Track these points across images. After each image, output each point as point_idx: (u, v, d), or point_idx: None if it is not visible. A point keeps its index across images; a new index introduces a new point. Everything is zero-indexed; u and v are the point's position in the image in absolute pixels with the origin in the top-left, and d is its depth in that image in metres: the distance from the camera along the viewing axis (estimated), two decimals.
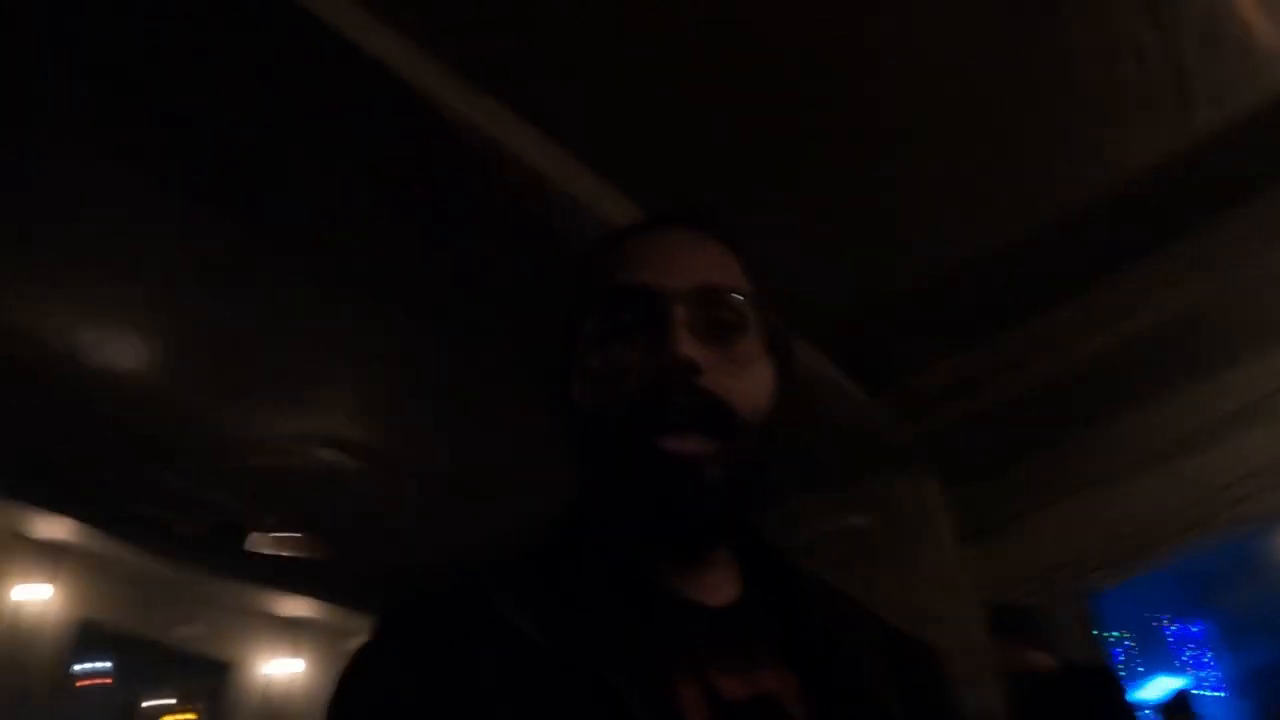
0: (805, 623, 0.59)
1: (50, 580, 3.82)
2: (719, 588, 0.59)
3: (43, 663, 3.80)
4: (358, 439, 3.14)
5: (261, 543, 3.72)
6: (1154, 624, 9.35)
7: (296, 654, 4.89)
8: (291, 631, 4.91)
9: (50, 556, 3.85)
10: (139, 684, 4.81)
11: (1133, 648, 9.10)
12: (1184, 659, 9.21)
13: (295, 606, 4.80)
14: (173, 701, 4.95)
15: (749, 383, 0.58)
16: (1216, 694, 8.68)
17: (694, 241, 0.62)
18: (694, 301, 0.57)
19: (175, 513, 3.67)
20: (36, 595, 3.77)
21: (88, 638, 4.10)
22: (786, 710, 0.54)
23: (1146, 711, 5.38)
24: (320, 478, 3.35)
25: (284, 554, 3.80)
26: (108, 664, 4.67)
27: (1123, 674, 7.46)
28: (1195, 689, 8.07)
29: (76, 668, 4.40)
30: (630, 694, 0.49)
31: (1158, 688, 7.71)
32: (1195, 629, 9.27)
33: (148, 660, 4.65)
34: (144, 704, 4.85)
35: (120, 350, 2.70)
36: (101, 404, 2.92)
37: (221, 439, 3.18)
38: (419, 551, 3.24)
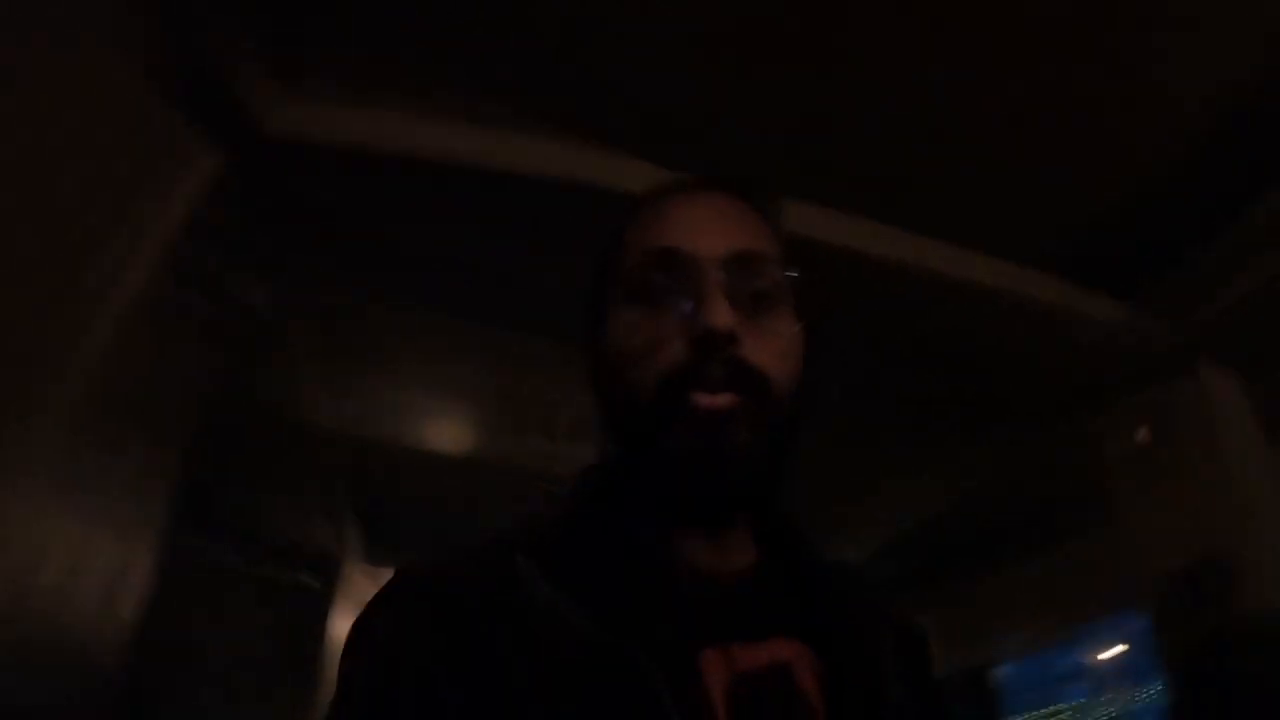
0: (817, 594, 0.60)
1: None
2: (734, 556, 0.60)
3: None
4: None
5: None
6: None
7: None
8: None
9: None
10: None
11: None
12: None
13: None
14: None
15: (782, 352, 0.58)
16: None
17: (730, 208, 0.62)
18: (732, 268, 0.58)
19: None
20: None
21: None
22: (798, 680, 0.55)
23: None
24: None
25: None
26: None
27: None
28: None
29: None
30: (650, 665, 0.49)
31: None
32: None
33: None
34: None
35: None
36: None
37: None
38: None
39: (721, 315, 0.55)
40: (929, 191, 2.21)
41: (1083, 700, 4.04)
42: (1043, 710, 4.19)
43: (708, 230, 0.60)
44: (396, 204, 2.17)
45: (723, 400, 0.55)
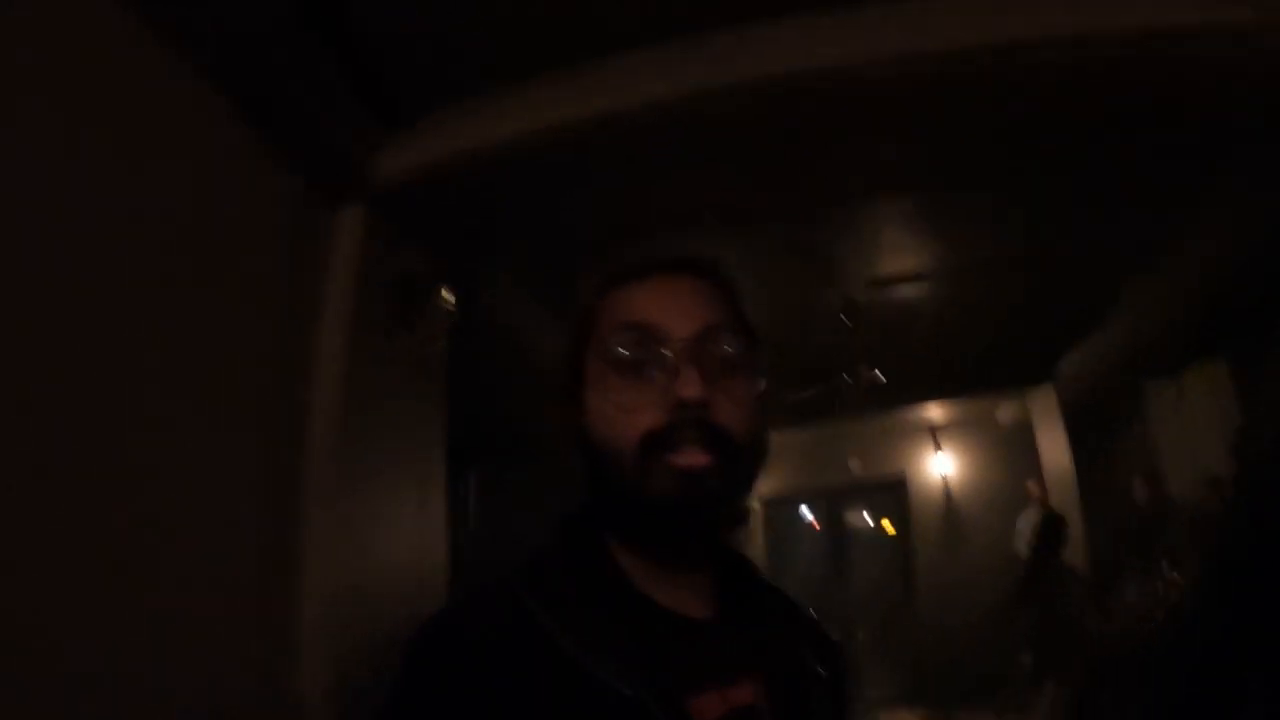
0: (766, 628, 0.70)
1: None
2: (702, 601, 0.69)
3: None
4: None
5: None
6: None
7: (945, 453, 6.18)
8: (940, 435, 6.20)
9: None
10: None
11: None
12: None
13: (935, 412, 5.94)
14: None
15: (745, 413, 0.67)
16: None
17: (695, 286, 0.71)
18: (700, 342, 0.66)
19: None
20: None
21: None
22: (762, 714, 0.65)
23: None
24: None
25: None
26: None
27: None
28: None
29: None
30: (653, 709, 0.58)
31: None
32: None
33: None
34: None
35: None
36: None
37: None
38: None
39: (693, 386, 0.64)
40: None
41: None
42: None
43: (678, 308, 0.68)
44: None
45: (696, 459, 0.63)
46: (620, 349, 0.68)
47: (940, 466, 6.15)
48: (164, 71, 1.44)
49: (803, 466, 6.04)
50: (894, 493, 6.35)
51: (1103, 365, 4.41)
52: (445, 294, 2.26)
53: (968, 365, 4.60)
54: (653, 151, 2.10)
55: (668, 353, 0.66)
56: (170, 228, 1.43)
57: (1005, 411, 5.54)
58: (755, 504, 4.88)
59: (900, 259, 3.25)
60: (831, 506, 6.71)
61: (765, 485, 5.06)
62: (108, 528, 1.23)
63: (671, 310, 0.69)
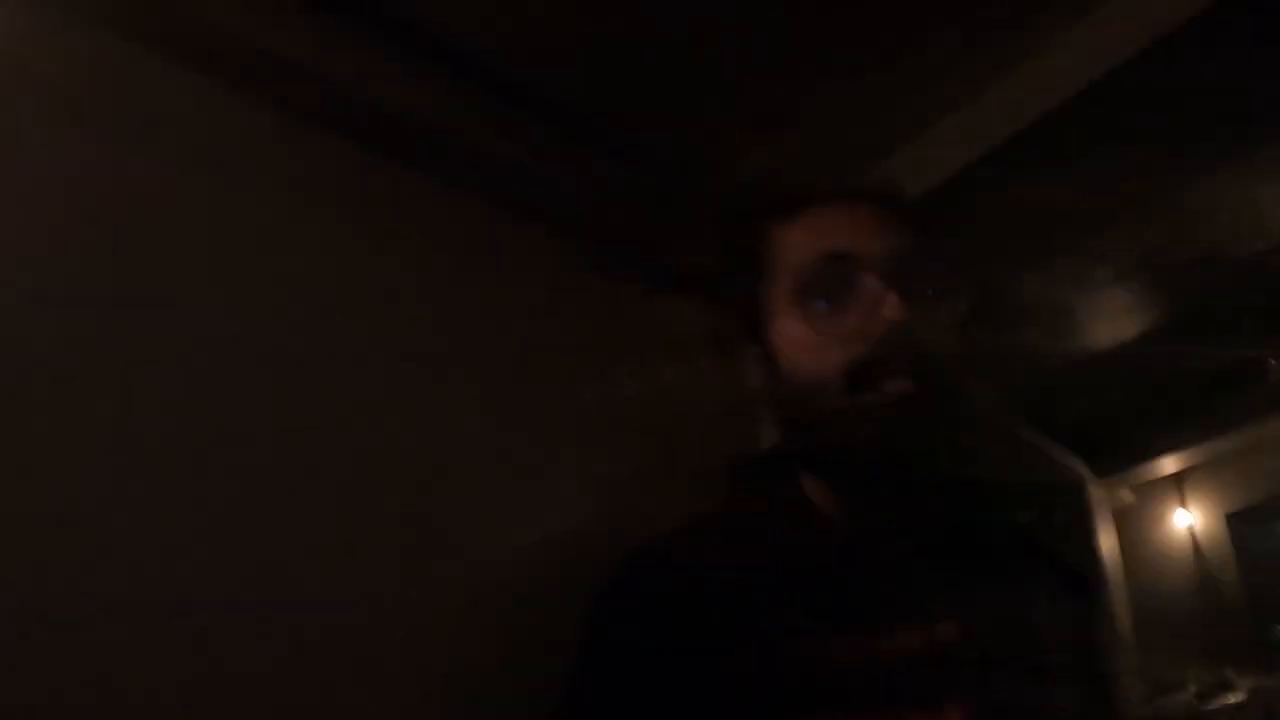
0: (987, 568, 0.65)
1: None
2: (908, 532, 0.65)
3: None
4: None
5: None
6: None
7: None
8: None
9: None
10: None
11: None
12: None
13: None
14: None
15: (947, 335, 0.64)
16: None
17: (881, 213, 0.69)
18: (898, 265, 0.63)
19: None
20: None
21: None
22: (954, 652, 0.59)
23: None
24: None
25: None
26: None
27: None
28: None
29: None
30: (835, 653, 0.56)
31: None
32: None
33: None
34: None
35: None
36: None
37: None
38: None
39: (897, 308, 0.61)
40: None
41: None
42: None
43: (870, 233, 0.66)
44: None
45: (905, 385, 0.60)
46: (816, 277, 0.65)
47: None
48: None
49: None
50: None
51: None
52: None
53: None
54: None
55: (867, 277, 0.64)
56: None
57: None
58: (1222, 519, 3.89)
59: None
60: None
61: (1228, 496, 3.93)
62: None
63: (864, 235, 0.66)
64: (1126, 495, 4.05)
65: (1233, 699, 3.18)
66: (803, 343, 0.64)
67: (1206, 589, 3.71)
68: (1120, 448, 3.75)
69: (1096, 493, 3.95)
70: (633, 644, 0.59)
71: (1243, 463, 3.67)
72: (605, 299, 1.79)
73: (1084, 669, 0.66)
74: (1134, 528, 4.04)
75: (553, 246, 1.71)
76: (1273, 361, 3.01)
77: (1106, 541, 3.88)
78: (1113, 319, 3.02)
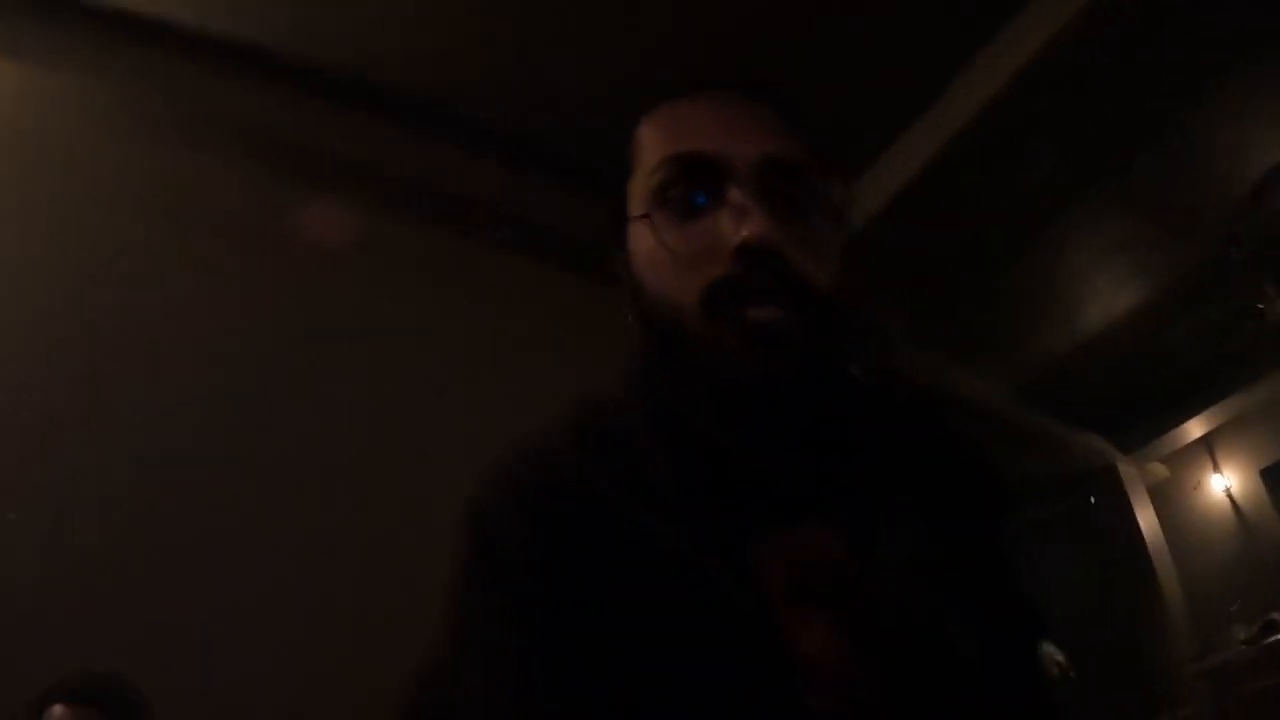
0: (888, 472, 0.57)
1: None
2: (792, 437, 0.56)
3: None
4: None
5: None
6: None
7: None
8: None
9: None
10: None
11: None
12: None
13: None
14: None
15: (818, 259, 0.55)
16: None
17: (756, 111, 0.58)
18: (768, 174, 0.54)
19: None
20: None
21: None
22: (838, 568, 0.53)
23: None
24: None
25: None
26: None
27: None
28: None
29: None
30: (705, 557, 0.50)
31: None
32: None
33: None
34: None
35: None
36: None
37: None
38: None
39: (761, 224, 0.52)
40: None
41: None
42: None
43: (739, 133, 0.56)
44: None
45: (772, 312, 0.52)
46: (670, 184, 0.55)
47: None
48: None
49: None
50: None
51: None
52: None
53: None
54: None
55: (730, 187, 0.54)
56: None
57: None
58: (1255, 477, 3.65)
59: None
60: None
61: (1260, 452, 3.66)
62: None
63: (731, 136, 0.56)
64: (1159, 470, 3.97)
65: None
66: (651, 257, 0.56)
67: (1249, 545, 3.61)
68: (1142, 421, 3.68)
69: (1127, 471, 3.87)
70: (528, 554, 0.52)
71: (1269, 416, 3.59)
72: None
73: (994, 613, 0.57)
74: (1172, 500, 3.95)
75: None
76: (1260, 305, 2.95)
77: (1145, 519, 3.79)
78: (1105, 297, 3.00)
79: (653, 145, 0.58)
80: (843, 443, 0.56)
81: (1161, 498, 3.89)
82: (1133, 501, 3.77)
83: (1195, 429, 3.69)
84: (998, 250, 2.63)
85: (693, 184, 0.55)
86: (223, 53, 1.97)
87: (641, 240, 0.57)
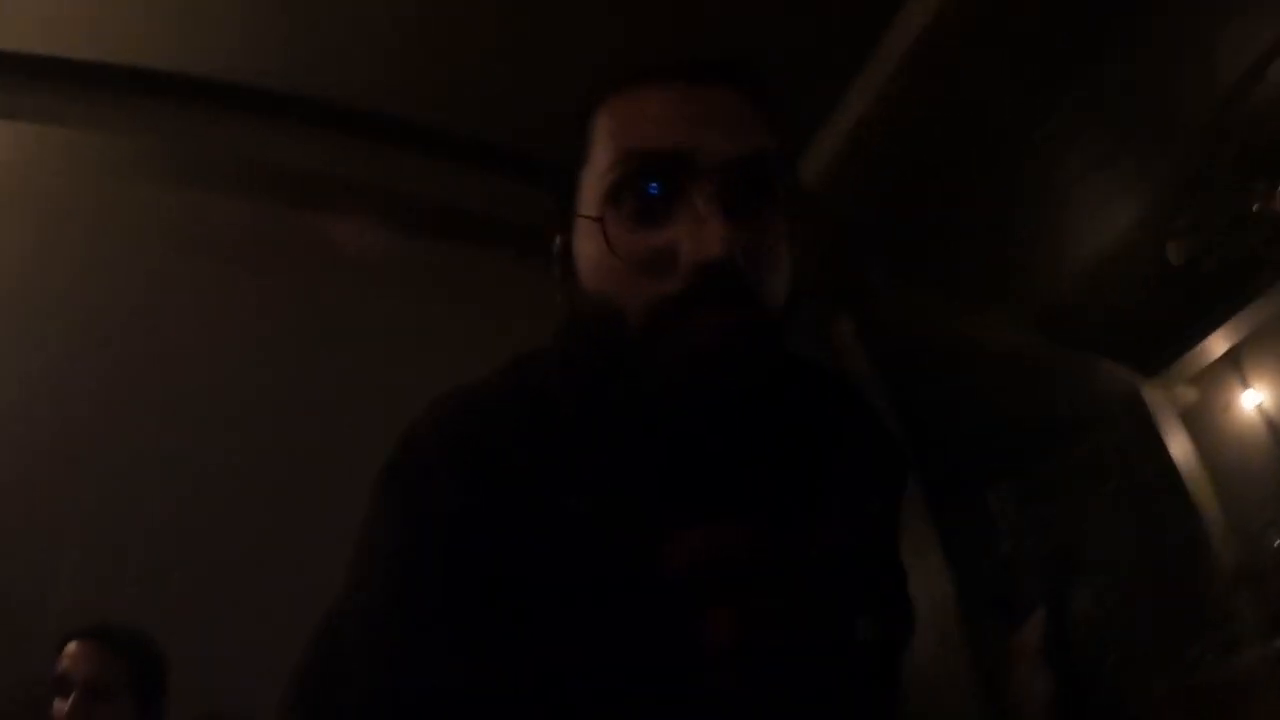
0: (802, 462, 0.56)
1: None
2: (715, 422, 0.54)
3: None
4: None
5: None
6: None
7: None
8: None
9: None
10: None
11: None
12: None
13: None
14: None
15: (775, 262, 0.53)
16: None
17: (726, 100, 0.54)
18: (730, 175, 0.51)
19: None
20: None
21: None
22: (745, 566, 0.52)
23: None
24: None
25: None
26: None
27: None
28: None
29: None
30: (614, 538, 0.50)
31: None
32: None
33: None
34: None
35: None
36: None
37: None
38: None
39: (721, 242, 0.49)
40: None
41: None
42: None
43: (702, 129, 0.52)
44: None
45: (718, 339, 0.50)
46: (625, 184, 0.52)
47: None
48: None
49: None
50: None
51: None
52: None
53: None
54: None
55: (690, 190, 0.50)
56: None
57: None
58: None
59: None
60: None
61: None
62: None
63: (693, 132, 0.52)
64: (1188, 393, 3.87)
65: None
66: (599, 260, 0.53)
67: None
68: (1162, 342, 3.60)
69: (1153, 396, 3.79)
70: (445, 495, 0.51)
71: None
72: None
73: (896, 609, 0.59)
74: (1204, 423, 3.86)
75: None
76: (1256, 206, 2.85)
77: (1176, 445, 3.71)
78: (1098, 219, 2.94)
79: (607, 137, 0.55)
80: (760, 442, 0.55)
81: (1192, 421, 3.81)
82: (1162, 428, 3.70)
83: (1219, 344, 3.59)
84: (977, 184, 2.61)
85: (650, 184, 0.52)
86: (207, 92, 2.10)
87: (589, 240, 0.54)
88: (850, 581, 0.55)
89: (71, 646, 1.31)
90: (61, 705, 1.28)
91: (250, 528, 1.74)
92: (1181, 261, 2.95)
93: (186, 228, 2.08)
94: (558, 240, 0.59)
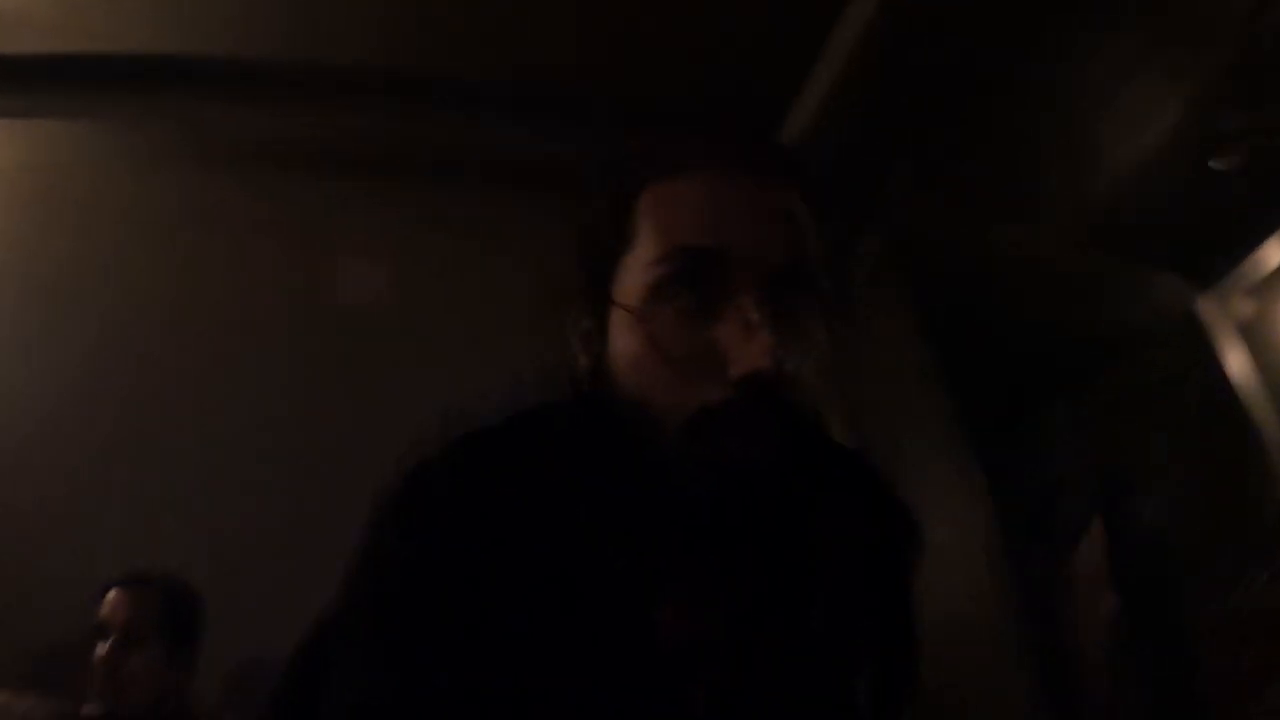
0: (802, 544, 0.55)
1: None
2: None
3: None
4: None
5: None
6: None
7: None
8: None
9: None
10: None
11: None
12: None
13: None
14: None
15: (812, 370, 0.53)
16: None
17: (782, 199, 0.54)
18: (782, 285, 0.52)
19: None
20: None
21: None
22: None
23: None
24: None
25: None
26: None
27: None
28: None
29: None
30: (606, 613, 0.49)
31: None
32: None
33: None
34: None
35: None
36: None
37: None
38: None
39: (770, 349, 0.49)
40: None
41: None
42: None
43: (756, 228, 0.53)
44: None
45: (752, 451, 0.50)
46: (671, 281, 0.52)
47: None
48: None
49: None
50: None
51: None
52: None
53: None
54: None
55: (739, 294, 0.50)
56: None
57: None
58: None
59: None
60: None
61: None
62: None
63: (749, 231, 0.52)
64: (1244, 305, 3.71)
65: None
66: (639, 356, 0.53)
67: None
68: (1214, 252, 3.44)
69: (1209, 308, 3.64)
70: (441, 528, 0.52)
71: None
72: None
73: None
74: (1262, 336, 3.69)
75: None
76: None
77: (1233, 361, 3.56)
78: (1141, 122, 2.78)
79: (653, 228, 0.54)
80: (766, 518, 0.54)
81: (1249, 334, 3.66)
82: (1218, 342, 3.56)
83: (1276, 254, 3.42)
84: (1004, 91, 2.49)
85: (699, 282, 0.52)
86: (217, 74, 2.13)
87: (630, 333, 0.54)
88: (848, 653, 0.55)
89: (110, 594, 1.41)
90: (101, 649, 1.39)
91: (298, 488, 1.87)
92: (1230, 167, 2.80)
93: (215, 209, 2.15)
94: (582, 322, 0.59)
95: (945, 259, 2.97)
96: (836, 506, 0.58)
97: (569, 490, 0.53)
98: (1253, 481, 3.35)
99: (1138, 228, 3.24)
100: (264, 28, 2.09)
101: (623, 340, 0.55)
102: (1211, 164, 2.65)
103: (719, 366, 0.50)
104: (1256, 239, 3.30)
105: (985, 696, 2.12)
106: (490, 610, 0.49)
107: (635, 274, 0.54)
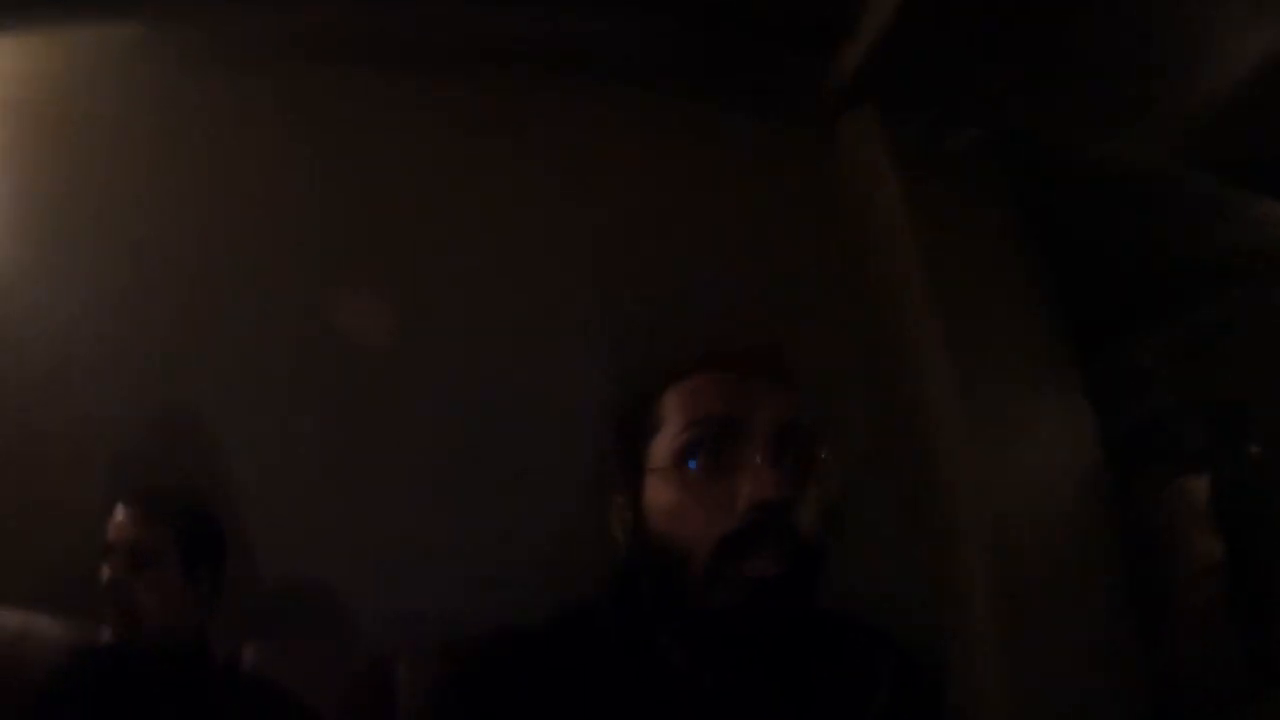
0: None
1: None
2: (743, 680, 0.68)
3: None
4: None
5: None
6: None
7: None
8: None
9: None
10: None
11: None
12: None
13: None
14: None
15: (815, 514, 0.67)
16: None
17: (769, 382, 0.71)
18: (783, 439, 0.67)
19: None
20: None
21: None
22: None
23: None
24: None
25: None
26: None
27: None
28: None
29: None
30: None
31: None
32: None
33: None
34: None
35: None
36: None
37: None
38: None
39: (775, 486, 0.64)
40: None
41: None
42: None
43: (757, 403, 0.69)
44: None
45: (769, 568, 0.64)
46: (697, 443, 0.68)
47: None
48: None
49: None
50: None
51: None
52: None
53: None
54: None
55: (749, 449, 0.66)
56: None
57: None
58: None
59: None
60: None
61: None
62: None
63: (751, 405, 0.69)
64: None
65: None
66: (672, 507, 0.68)
67: None
68: None
69: None
70: None
71: None
72: None
73: None
74: None
75: None
76: None
77: None
78: (1240, 34, 2.44)
79: (679, 409, 0.71)
80: (786, 677, 0.69)
81: None
82: None
83: None
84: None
85: (716, 443, 0.68)
86: None
87: (665, 488, 0.69)
88: None
89: (118, 512, 1.26)
90: (107, 572, 1.24)
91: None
92: None
93: (289, 103, 2.04)
94: (619, 499, 0.74)
95: (1039, 165, 2.71)
96: (841, 678, 0.72)
97: (601, 684, 0.66)
98: None
99: (1248, 146, 2.93)
100: None
101: (659, 496, 0.69)
102: None
103: (734, 502, 0.65)
104: None
105: (1072, 625, 2.01)
106: None
107: (664, 445, 0.70)
